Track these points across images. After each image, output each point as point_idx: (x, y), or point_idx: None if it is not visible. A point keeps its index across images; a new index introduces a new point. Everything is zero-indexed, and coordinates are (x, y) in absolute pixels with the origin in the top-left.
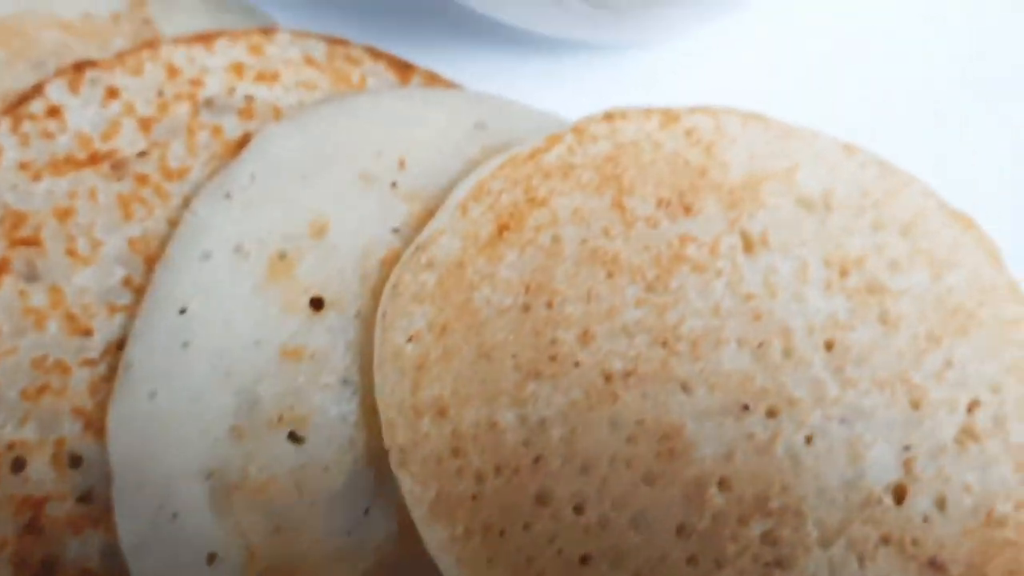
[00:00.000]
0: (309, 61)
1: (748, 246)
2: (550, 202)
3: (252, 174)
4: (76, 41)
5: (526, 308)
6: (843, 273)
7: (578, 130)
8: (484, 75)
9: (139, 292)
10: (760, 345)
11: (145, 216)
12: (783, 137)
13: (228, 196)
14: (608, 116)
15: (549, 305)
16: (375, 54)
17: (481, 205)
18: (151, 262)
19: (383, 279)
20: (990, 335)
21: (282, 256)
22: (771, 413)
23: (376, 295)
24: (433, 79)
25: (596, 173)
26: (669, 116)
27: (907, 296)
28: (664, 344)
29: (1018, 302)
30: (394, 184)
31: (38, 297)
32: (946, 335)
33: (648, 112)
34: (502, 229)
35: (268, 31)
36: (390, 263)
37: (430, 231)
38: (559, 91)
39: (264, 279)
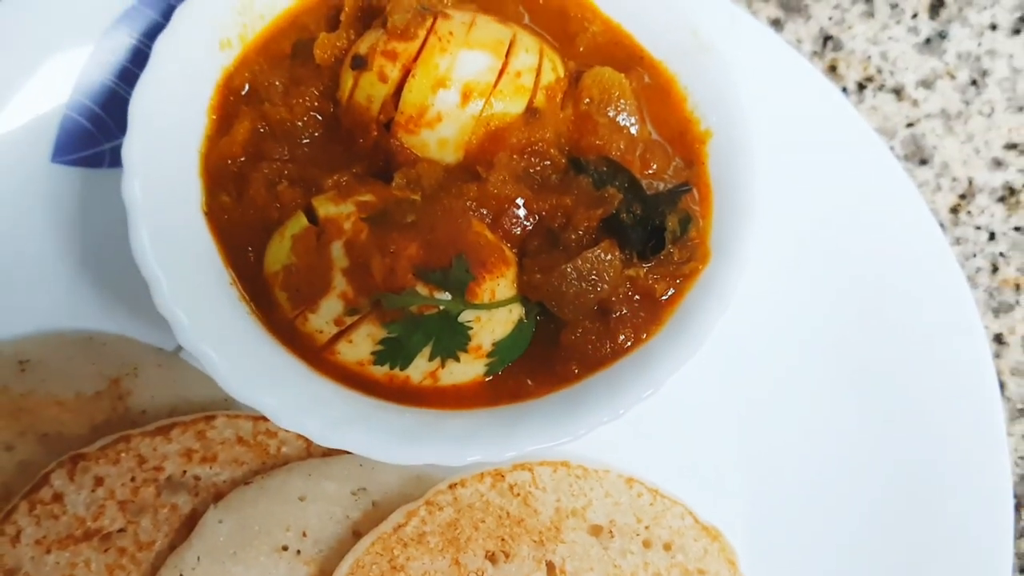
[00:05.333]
0: (239, 440)
1: None
2: (407, 568)
3: (198, 556)
4: (69, 416)
5: None
6: None
7: (429, 502)
8: None
9: None
10: None
11: None
12: (581, 477)
13: None
14: (451, 485)
15: None
16: None
17: None
18: None
19: None
20: None
21: None
22: None
23: None
24: None
25: (441, 538)
26: (497, 475)
27: None
28: None
29: None
30: (298, 552)
31: None
32: None
33: (482, 475)
34: None
35: (209, 417)
36: None
37: None
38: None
39: None
